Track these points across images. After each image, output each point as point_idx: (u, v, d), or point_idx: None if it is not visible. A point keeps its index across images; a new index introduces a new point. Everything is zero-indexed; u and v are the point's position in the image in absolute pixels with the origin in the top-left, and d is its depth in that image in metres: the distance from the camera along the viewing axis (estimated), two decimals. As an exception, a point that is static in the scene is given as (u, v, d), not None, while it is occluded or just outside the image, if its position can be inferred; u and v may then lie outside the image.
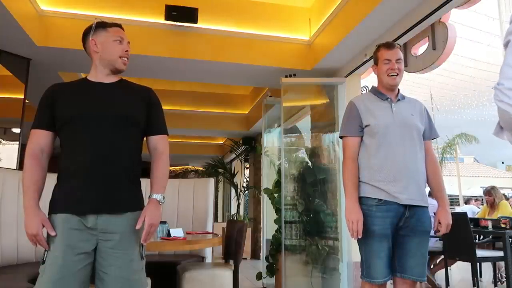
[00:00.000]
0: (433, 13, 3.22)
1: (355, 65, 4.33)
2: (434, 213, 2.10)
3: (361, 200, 1.99)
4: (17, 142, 4.20)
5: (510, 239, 3.89)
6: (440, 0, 3.11)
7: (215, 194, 7.27)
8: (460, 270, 5.64)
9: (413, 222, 1.96)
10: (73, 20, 4.00)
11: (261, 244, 5.71)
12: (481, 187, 17.10)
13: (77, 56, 3.67)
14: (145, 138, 1.77)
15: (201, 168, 11.20)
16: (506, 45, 1.16)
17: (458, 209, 15.18)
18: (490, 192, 5.36)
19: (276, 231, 4.47)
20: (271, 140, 5.64)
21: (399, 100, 2.11)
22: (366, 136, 2.06)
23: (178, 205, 3.83)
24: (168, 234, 2.79)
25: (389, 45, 2.10)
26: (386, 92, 2.11)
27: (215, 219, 10.18)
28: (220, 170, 8.98)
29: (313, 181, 4.39)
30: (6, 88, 4.57)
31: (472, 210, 9.46)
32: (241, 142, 8.63)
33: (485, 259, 4.30)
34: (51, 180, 1.61)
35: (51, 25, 4.01)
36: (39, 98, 1.66)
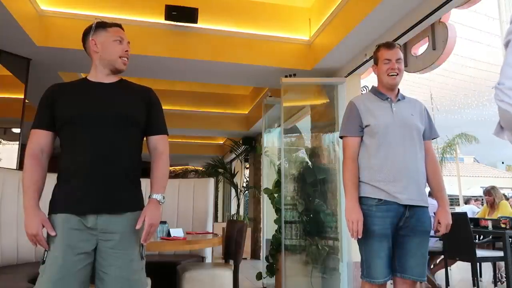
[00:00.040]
0: (433, 13, 3.22)
1: (355, 65, 4.33)
2: (434, 213, 2.10)
3: (361, 200, 1.99)
4: (17, 142, 4.20)
5: (510, 239, 3.89)
6: (440, 0, 3.11)
7: (215, 194, 7.27)
8: (460, 270, 5.64)
9: (413, 222, 1.96)
10: (73, 20, 4.00)
11: (261, 244, 5.71)
12: (481, 187, 17.09)
13: (77, 56, 3.67)
14: (145, 138, 1.77)
15: (201, 168, 11.20)
16: (506, 44, 1.16)
17: (458, 209, 15.19)
18: (490, 192, 5.36)
19: (276, 231, 4.47)
20: (271, 140, 5.64)
21: (399, 100, 2.11)
22: (366, 136, 2.06)
23: (178, 205, 3.83)
24: (168, 234, 2.79)
25: (389, 45, 2.10)
26: (386, 92, 2.11)
27: (215, 219, 10.17)
28: (220, 170, 8.98)
29: (313, 181, 4.39)
30: (6, 88, 4.57)
31: (472, 210, 9.46)
32: (241, 142, 8.63)
33: (485, 259, 4.30)
34: (51, 180, 1.61)
35: (51, 25, 4.01)
36: (39, 98, 1.66)
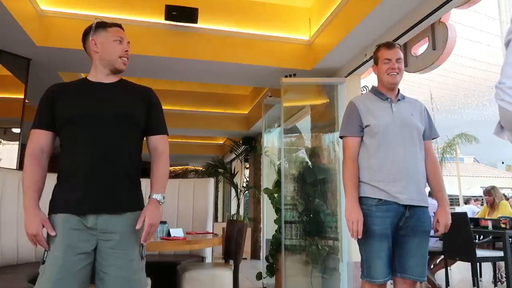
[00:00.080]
0: (433, 13, 3.22)
1: (355, 65, 4.33)
2: (434, 213, 2.10)
3: (361, 200, 1.99)
4: (17, 142, 4.20)
5: (510, 239, 3.89)
6: (440, 0, 3.11)
7: (215, 194, 7.27)
8: (460, 270, 5.64)
9: (413, 222, 1.96)
10: (73, 20, 4.00)
11: (261, 244, 5.71)
12: (481, 187, 17.10)
13: (77, 56, 3.67)
14: (145, 138, 1.77)
15: (201, 168, 11.20)
16: (507, 44, 1.16)
17: (458, 209, 15.19)
18: (490, 192, 5.37)
19: (276, 231, 4.47)
20: (271, 140, 5.64)
21: (399, 100, 2.11)
22: (366, 136, 2.06)
23: (178, 205, 3.83)
24: (168, 234, 2.79)
25: (389, 45, 2.10)
26: (386, 92, 2.11)
27: (215, 219, 10.18)
28: (220, 170, 8.98)
29: (313, 181, 4.39)
30: (6, 88, 4.57)
31: (472, 210, 9.46)
32: (241, 142, 8.63)
33: (485, 259, 4.30)
34: (51, 180, 1.61)
35: (51, 25, 4.01)
36: (39, 98, 1.66)
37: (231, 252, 3.26)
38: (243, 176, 9.29)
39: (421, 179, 2.02)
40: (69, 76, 4.80)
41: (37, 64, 4.35)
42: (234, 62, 4.52)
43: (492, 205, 5.34)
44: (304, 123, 5.42)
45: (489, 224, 4.39)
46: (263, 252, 4.95)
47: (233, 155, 9.81)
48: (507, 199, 8.00)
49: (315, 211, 4.36)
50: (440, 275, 4.72)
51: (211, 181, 4.06)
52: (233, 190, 9.14)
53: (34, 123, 1.64)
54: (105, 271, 1.53)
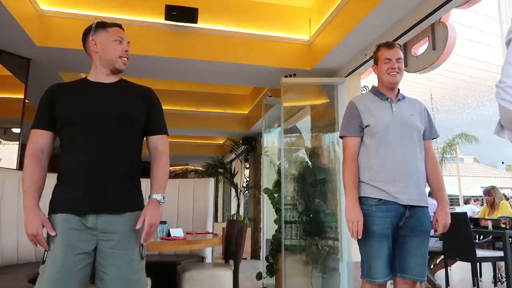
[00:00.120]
0: (433, 13, 3.22)
1: (355, 65, 4.33)
2: (434, 213, 2.10)
3: (361, 200, 1.99)
4: (17, 142, 4.20)
5: (510, 239, 3.89)
6: (440, 0, 3.11)
7: (215, 194, 7.27)
8: (460, 270, 5.64)
9: (413, 222, 1.96)
10: (73, 20, 4.00)
11: (261, 244, 5.71)
12: (481, 187, 17.09)
13: (77, 56, 3.67)
14: (145, 138, 1.77)
15: (201, 168, 11.19)
16: (508, 43, 1.16)
17: (458, 209, 15.19)
18: (490, 192, 5.37)
19: (276, 231, 4.47)
20: (271, 140, 5.64)
21: (399, 100, 2.11)
22: (366, 136, 2.06)
23: (178, 205, 3.83)
24: (168, 234, 2.79)
25: (389, 45, 2.10)
26: (386, 92, 2.11)
27: (215, 219, 10.18)
28: (220, 170, 8.98)
29: (313, 181, 4.39)
30: (6, 88, 4.57)
31: (472, 210, 9.46)
32: (241, 142, 8.63)
33: (485, 259, 4.30)
34: (51, 180, 1.61)
35: (51, 25, 4.01)
36: (39, 98, 1.66)
37: (231, 252, 3.26)
38: (243, 176, 9.29)
39: (421, 179, 2.02)
40: (69, 76, 4.80)
41: (37, 64, 4.35)
42: (234, 62, 4.52)
43: (492, 205, 5.34)
44: (304, 123, 5.42)
45: (489, 224, 4.39)
46: (263, 252, 4.95)
47: (233, 155, 9.81)
48: (507, 199, 8.00)
49: (315, 211, 4.36)
50: (440, 275, 4.72)
51: (211, 181, 4.06)
52: (233, 190, 9.14)
53: (34, 123, 1.64)
54: (105, 271, 1.53)
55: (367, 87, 4.64)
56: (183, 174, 12.41)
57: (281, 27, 4.65)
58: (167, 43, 4.34)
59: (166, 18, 4.19)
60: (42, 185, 1.59)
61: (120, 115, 1.64)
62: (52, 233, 1.51)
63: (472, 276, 4.23)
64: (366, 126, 2.05)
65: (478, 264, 4.76)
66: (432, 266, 4.70)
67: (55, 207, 1.56)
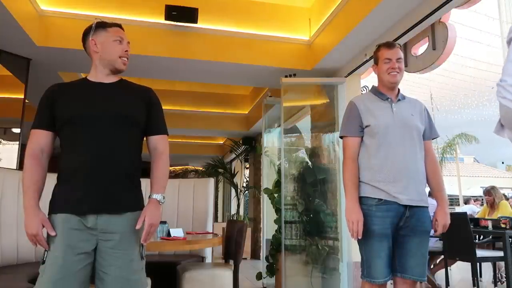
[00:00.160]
0: (433, 13, 3.22)
1: (355, 65, 4.33)
2: (434, 213, 2.10)
3: (361, 200, 1.99)
4: (17, 142, 4.20)
5: (510, 239, 3.89)
6: (440, 0, 3.11)
7: (215, 194, 7.27)
8: (460, 270, 5.64)
9: (413, 222, 1.96)
10: (73, 20, 4.00)
11: (261, 244, 5.71)
12: (481, 187, 17.10)
13: (77, 56, 3.67)
14: (145, 138, 1.77)
15: (201, 168, 11.19)
16: (509, 42, 1.16)
17: (458, 209, 15.19)
18: (490, 192, 5.37)
19: (276, 231, 4.47)
20: (271, 140, 5.64)
21: (399, 100, 2.11)
22: (366, 136, 2.06)
23: (178, 205, 3.83)
24: (168, 234, 2.79)
25: (389, 45, 2.10)
26: (386, 92, 2.11)
27: (215, 219, 10.17)
28: (220, 170, 8.98)
29: (313, 181, 4.39)
30: (6, 88, 4.57)
31: (472, 210, 9.46)
32: (241, 142, 8.63)
33: (485, 259, 4.30)
34: (51, 180, 1.61)
35: (51, 25, 4.01)
36: (39, 98, 1.66)
37: (231, 252, 3.26)
38: (243, 176, 9.29)
39: (421, 179, 2.02)
40: (69, 76, 4.80)
41: (37, 64, 4.35)
42: (234, 62, 4.52)
43: (492, 205, 5.34)
44: (304, 123, 5.42)
45: (489, 224, 4.39)
46: (263, 252, 4.95)
47: (233, 155, 9.81)
48: (507, 199, 8.00)
49: (315, 211, 4.36)
50: (440, 275, 4.72)
51: (211, 181, 4.06)
52: (233, 190, 9.14)
53: (34, 123, 1.64)
54: (105, 271, 1.53)
55: (367, 87, 4.64)
56: (183, 174, 12.41)
57: (281, 27, 4.65)
58: (167, 43, 4.34)
59: (166, 18, 4.19)
60: (42, 185, 1.59)
61: (120, 115, 1.64)
62: (52, 233, 1.51)
63: (472, 276, 4.23)
64: (366, 126, 2.05)
65: (478, 264, 4.76)
66: (432, 266, 4.70)
67: (55, 207, 1.56)
